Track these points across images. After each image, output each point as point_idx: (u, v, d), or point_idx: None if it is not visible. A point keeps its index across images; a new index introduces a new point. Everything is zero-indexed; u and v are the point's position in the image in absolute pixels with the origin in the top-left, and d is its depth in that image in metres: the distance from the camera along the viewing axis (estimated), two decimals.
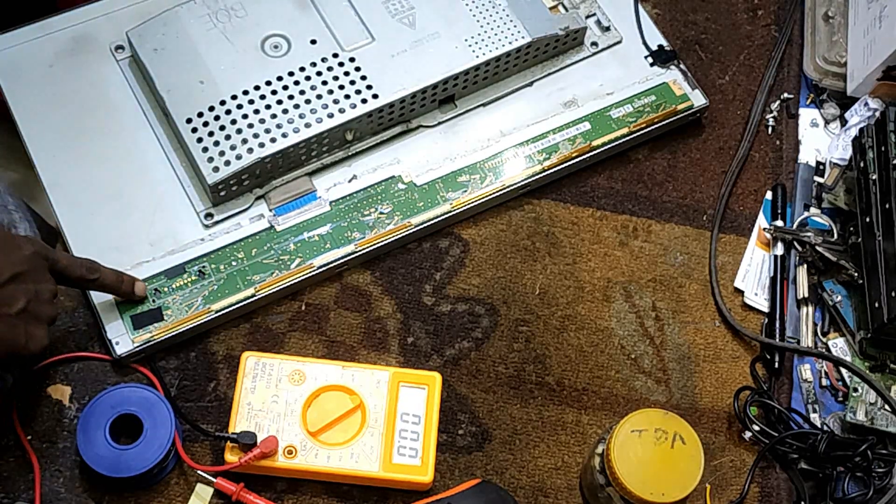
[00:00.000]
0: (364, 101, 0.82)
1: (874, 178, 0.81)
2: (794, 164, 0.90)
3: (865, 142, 0.83)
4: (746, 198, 0.89)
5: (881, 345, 0.81)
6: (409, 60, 0.84)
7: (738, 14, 0.96)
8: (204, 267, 0.79)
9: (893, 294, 0.77)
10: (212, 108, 0.80)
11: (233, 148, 0.79)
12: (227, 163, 0.79)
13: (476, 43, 0.85)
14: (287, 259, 0.80)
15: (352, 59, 0.83)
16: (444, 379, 0.79)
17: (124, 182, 0.81)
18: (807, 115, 0.92)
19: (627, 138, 0.87)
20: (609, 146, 0.87)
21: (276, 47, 0.83)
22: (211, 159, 0.79)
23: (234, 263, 0.79)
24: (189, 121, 0.80)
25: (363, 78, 0.82)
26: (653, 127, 0.88)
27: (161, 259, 0.79)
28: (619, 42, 0.91)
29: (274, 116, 0.80)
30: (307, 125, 0.81)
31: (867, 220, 0.81)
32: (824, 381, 0.81)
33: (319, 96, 0.82)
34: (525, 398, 0.79)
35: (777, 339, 0.82)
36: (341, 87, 0.82)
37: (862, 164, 0.83)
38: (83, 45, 0.86)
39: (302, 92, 0.82)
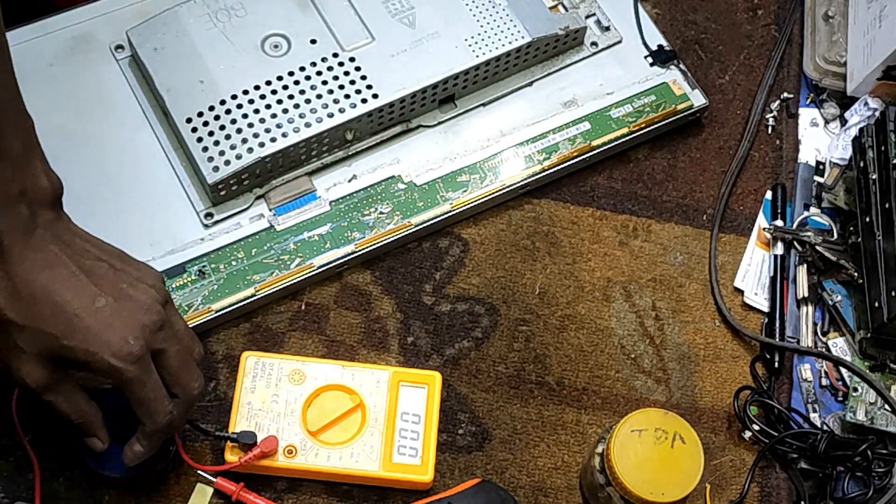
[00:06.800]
0: (364, 100, 0.82)
1: (874, 177, 0.81)
2: (793, 164, 0.90)
3: (865, 141, 0.83)
4: (746, 197, 0.89)
5: (881, 344, 0.81)
6: (409, 60, 0.83)
7: (737, 14, 0.96)
8: (204, 266, 0.79)
9: (893, 294, 0.77)
10: (212, 108, 0.80)
11: (233, 147, 0.79)
12: (227, 162, 0.79)
13: (476, 43, 0.85)
14: (287, 259, 0.80)
15: (352, 59, 0.83)
16: (444, 378, 0.79)
17: (124, 181, 0.81)
18: (807, 114, 0.92)
19: (627, 138, 0.87)
20: (609, 146, 0.87)
21: (276, 47, 0.83)
22: (211, 159, 0.79)
23: (234, 263, 0.79)
24: (189, 120, 0.80)
25: (363, 78, 0.82)
26: (653, 127, 0.88)
27: (161, 259, 0.79)
28: (618, 42, 0.91)
29: (274, 116, 0.80)
30: (307, 125, 0.81)
31: (867, 219, 0.81)
32: (824, 381, 0.81)
33: (319, 96, 0.82)
34: (525, 398, 0.79)
35: (777, 339, 0.82)
36: (341, 87, 0.82)
37: (862, 164, 0.83)
38: (83, 44, 0.86)
39: (302, 92, 0.82)
